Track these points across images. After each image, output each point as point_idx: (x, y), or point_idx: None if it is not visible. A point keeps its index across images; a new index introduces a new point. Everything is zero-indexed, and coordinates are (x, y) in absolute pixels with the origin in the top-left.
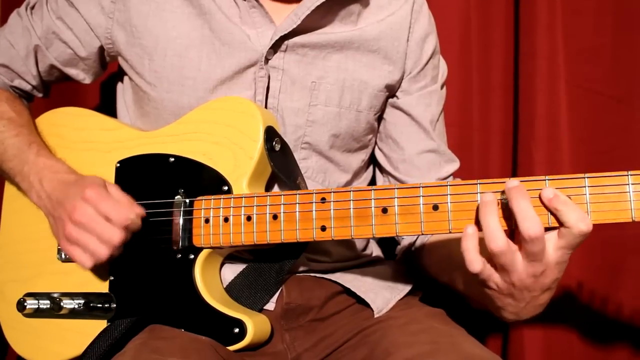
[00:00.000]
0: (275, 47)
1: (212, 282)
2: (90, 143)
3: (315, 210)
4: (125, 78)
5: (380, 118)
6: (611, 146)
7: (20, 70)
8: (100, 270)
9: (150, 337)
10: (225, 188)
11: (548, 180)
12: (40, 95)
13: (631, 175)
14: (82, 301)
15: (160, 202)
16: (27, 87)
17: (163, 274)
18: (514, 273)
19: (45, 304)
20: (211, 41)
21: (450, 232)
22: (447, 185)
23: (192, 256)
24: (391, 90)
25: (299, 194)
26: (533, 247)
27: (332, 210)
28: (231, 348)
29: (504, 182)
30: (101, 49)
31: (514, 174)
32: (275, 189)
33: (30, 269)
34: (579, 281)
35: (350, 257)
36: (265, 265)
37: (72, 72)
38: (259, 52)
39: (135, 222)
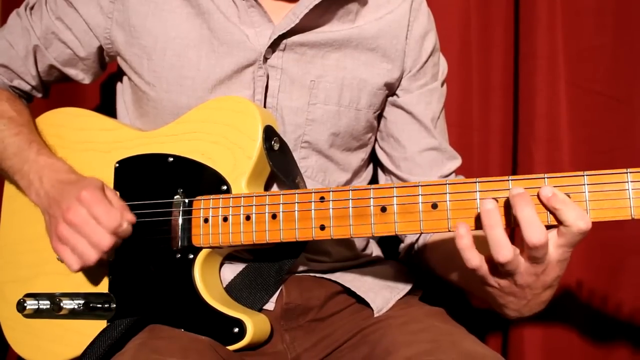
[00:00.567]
0: (274, 46)
1: (212, 281)
2: (89, 143)
3: (314, 210)
4: (125, 78)
5: (379, 116)
6: (611, 146)
7: (20, 70)
8: (99, 270)
9: (150, 337)
10: (224, 188)
11: (547, 178)
12: (39, 95)
13: (630, 172)
14: (82, 301)
15: (159, 202)
16: (27, 88)
17: (162, 274)
18: (517, 275)
19: (45, 304)
20: (210, 41)
21: (449, 231)
22: (446, 184)
23: (191, 256)
24: (390, 89)
25: (298, 193)
26: (537, 253)
27: (331, 210)
28: (231, 348)
29: (503, 181)
30: (100, 49)
31: (514, 174)
32: (274, 188)
33: (30, 269)
34: (579, 281)
35: (350, 257)
36: (265, 265)
37: (71, 72)
38: (258, 52)
39: (125, 229)
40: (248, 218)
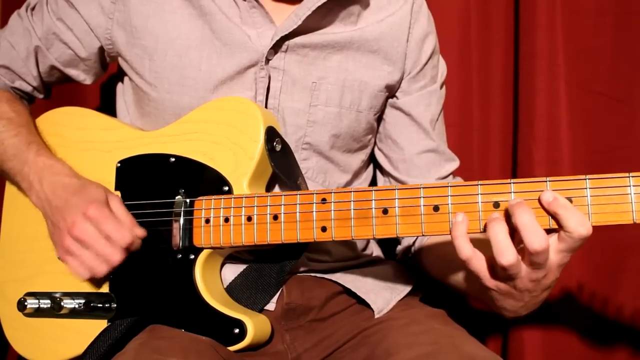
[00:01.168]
0: (276, 47)
1: (213, 282)
2: (90, 143)
3: (316, 211)
4: (126, 78)
5: (379, 118)
6: (611, 146)
7: (21, 71)
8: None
9: (151, 337)
10: (226, 188)
11: (549, 181)
12: (41, 96)
13: (632, 177)
14: (82, 301)
15: (160, 202)
16: (28, 88)
17: (163, 274)
18: (517, 280)
19: (45, 303)
20: (212, 41)
21: (450, 234)
22: (447, 186)
23: (192, 256)
24: (391, 91)
25: (299, 194)
26: (537, 259)
27: (332, 211)
28: (231, 348)
29: (504, 184)
30: (101, 50)
31: (514, 174)
32: (276, 189)
33: (30, 268)
34: (579, 281)
35: (350, 256)
36: (266, 266)
37: (72, 72)
38: (260, 53)
39: (136, 244)
40: (249, 219)
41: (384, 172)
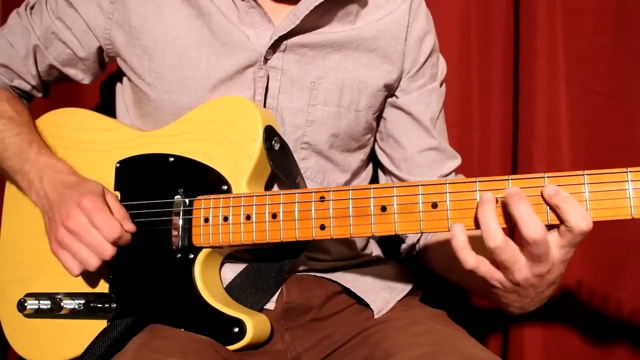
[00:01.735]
0: (274, 47)
1: (212, 281)
2: (90, 143)
3: (315, 209)
4: (125, 79)
5: (379, 117)
6: (611, 146)
7: (20, 70)
8: (100, 270)
9: (150, 337)
10: (225, 187)
11: (547, 177)
12: (39, 95)
13: (630, 172)
14: (82, 301)
15: (160, 202)
16: (27, 87)
17: (163, 274)
18: (518, 272)
19: (45, 304)
20: (210, 41)
21: (449, 231)
22: (446, 184)
23: (191, 256)
24: (390, 90)
25: (298, 192)
26: (537, 250)
27: (331, 209)
28: (231, 347)
29: (503, 180)
30: (100, 50)
31: (514, 173)
32: (275, 188)
33: (30, 269)
34: (579, 281)
35: (350, 256)
36: (265, 265)
37: (71, 72)
38: (258, 52)
39: (124, 238)
40: (248, 218)
41: (386, 171)
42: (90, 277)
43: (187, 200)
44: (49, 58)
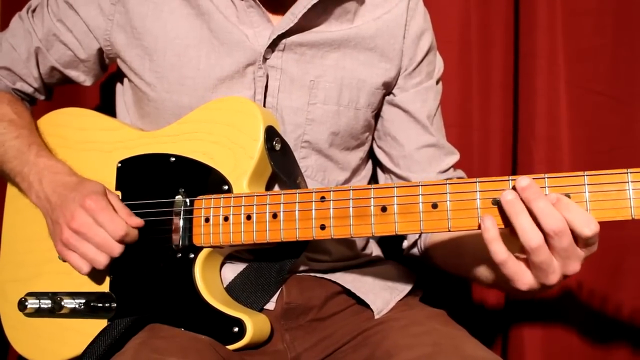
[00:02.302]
0: (273, 46)
1: (212, 281)
2: (91, 143)
3: (315, 210)
4: (125, 79)
5: (377, 116)
6: (611, 146)
7: (22, 72)
8: (100, 270)
9: (150, 337)
10: (226, 187)
11: (547, 178)
12: (42, 97)
13: (631, 172)
14: (82, 301)
15: (160, 201)
16: (29, 90)
17: (163, 274)
18: (553, 274)
19: (46, 303)
20: (210, 41)
21: (449, 231)
22: (446, 184)
23: (192, 255)
24: (388, 88)
25: (298, 193)
26: (561, 243)
27: (331, 209)
28: (231, 347)
29: (503, 181)
30: (100, 51)
31: (514, 173)
32: (276, 188)
33: (31, 268)
34: (579, 281)
35: (350, 256)
36: (266, 265)
37: (72, 74)
38: (257, 52)
39: (131, 235)
40: (249, 218)
41: (385, 169)
42: (90, 276)
43: (187, 200)
44: (51, 60)
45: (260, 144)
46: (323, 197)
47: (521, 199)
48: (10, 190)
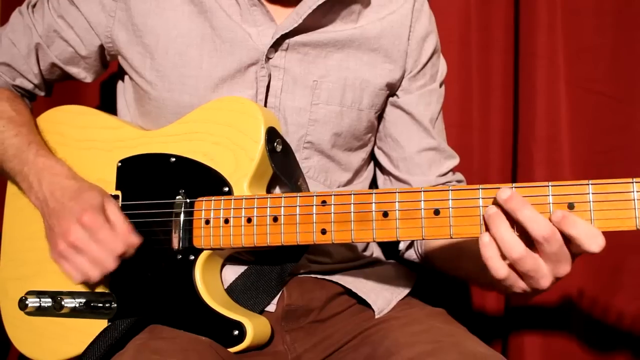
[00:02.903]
0: (277, 45)
1: (213, 283)
2: (91, 142)
3: (316, 214)
4: (126, 77)
5: (380, 117)
6: (611, 146)
7: (22, 68)
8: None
9: (151, 337)
10: (226, 189)
11: (551, 186)
12: (42, 94)
13: (636, 182)
14: (83, 300)
15: (160, 202)
16: (29, 86)
17: (163, 275)
18: (543, 279)
19: (46, 302)
20: (212, 39)
21: (451, 238)
22: (448, 190)
23: (192, 257)
24: (392, 89)
25: (299, 196)
26: (550, 247)
27: (332, 214)
28: (231, 350)
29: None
30: (101, 48)
31: (514, 174)
32: (277, 190)
33: (32, 266)
34: (578, 282)
35: (351, 257)
36: (267, 267)
37: (73, 70)
38: (260, 51)
39: (128, 252)
40: (249, 220)
41: (384, 171)
42: None
43: (188, 201)
44: (51, 56)
45: (261, 145)
46: (324, 201)
47: (505, 211)
48: (11, 188)
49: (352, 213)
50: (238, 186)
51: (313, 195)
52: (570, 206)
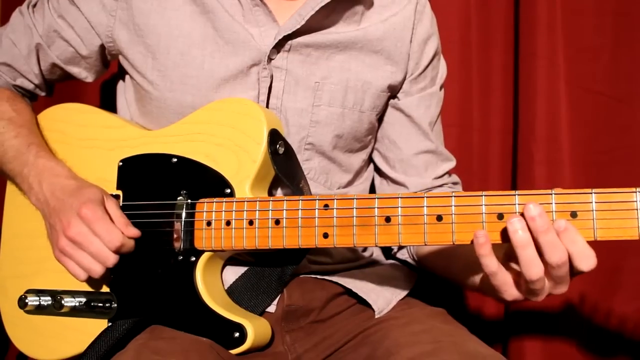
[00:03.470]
0: (279, 46)
1: (213, 284)
2: (93, 140)
3: (318, 217)
4: (127, 77)
5: (380, 118)
6: (611, 146)
7: (23, 69)
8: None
9: (151, 338)
10: (228, 191)
11: (554, 194)
12: (43, 94)
13: (639, 192)
14: (83, 299)
15: (162, 203)
16: (30, 86)
17: (164, 276)
18: (541, 296)
19: (46, 300)
20: (214, 40)
21: (453, 244)
22: (451, 197)
23: (193, 258)
24: (393, 91)
25: (302, 199)
26: (534, 286)
27: (335, 218)
28: (232, 352)
29: (509, 195)
30: (102, 48)
31: (514, 174)
32: (279, 192)
33: (32, 265)
34: (578, 283)
35: (351, 258)
36: (267, 269)
37: (74, 70)
38: (262, 52)
39: (127, 245)
40: (251, 223)
41: (380, 172)
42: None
43: (189, 202)
44: (52, 56)
45: (263, 147)
46: (326, 205)
47: (528, 227)
48: (11, 186)
49: (354, 218)
50: (240, 188)
51: (315, 199)
52: (573, 215)
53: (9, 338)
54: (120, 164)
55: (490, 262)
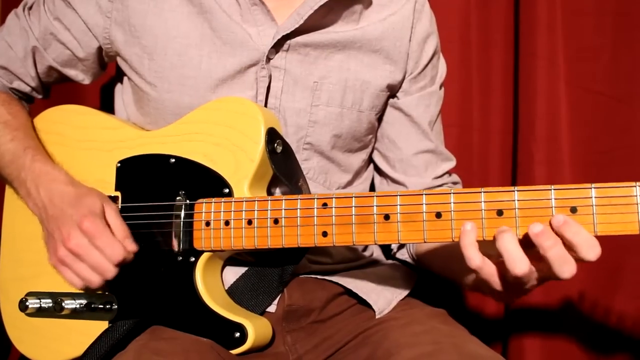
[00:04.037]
0: (277, 46)
1: (213, 285)
2: (91, 142)
3: (317, 216)
4: (125, 78)
5: (380, 118)
6: (611, 146)
7: (19, 71)
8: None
9: (152, 338)
10: (226, 191)
11: (554, 189)
12: (40, 96)
13: (639, 186)
14: (83, 301)
15: (161, 204)
16: (27, 89)
17: (164, 277)
18: (530, 283)
19: (47, 303)
20: (212, 40)
21: (453, 241)
22: (450, 194)
23: (192, 259)
24: (392, 90)
25: (300, 198)
26: (521, 280)
27: (333, 216)
28: (232, 352)
29: (508, 191)
30: (99, 50)
31: (514, 174)
32: (277, 191)
33: (32, 267)
34: (577, 282)
35: (351, 258)
36: (267, 269)
37: (71, 72)
38: (261, 52)
39: (128, 259)
40: (250, 223)
41: (380, 171)
42: None
43: (188, 203)
44: (48, 59)
45: (261, 146)
46: (325, 204)
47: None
48: (10, 189)
49: (353, 216)
50: (238, 187)
51: (314, 198)
52: (573, 210)
53: (10, 340)
54: (119, 165)
55: (474, 255)
